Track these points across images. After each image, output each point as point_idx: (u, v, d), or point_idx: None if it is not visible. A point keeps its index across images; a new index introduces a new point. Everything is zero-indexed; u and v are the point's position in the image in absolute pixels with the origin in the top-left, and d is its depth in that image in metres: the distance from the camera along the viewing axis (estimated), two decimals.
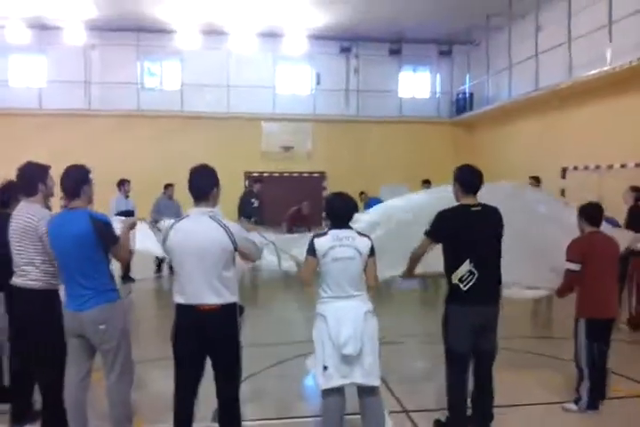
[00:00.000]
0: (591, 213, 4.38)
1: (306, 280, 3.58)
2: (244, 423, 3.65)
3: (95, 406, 3.74)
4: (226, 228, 3.23)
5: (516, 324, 6.70)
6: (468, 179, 3.78)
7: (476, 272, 3.61)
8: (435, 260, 3.83)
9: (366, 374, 3.40)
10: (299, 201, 11.55)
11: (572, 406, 4.25)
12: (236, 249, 3.25)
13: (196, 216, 3.29)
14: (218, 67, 18.34)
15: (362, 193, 12.35)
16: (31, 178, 3.82)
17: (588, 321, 4.23)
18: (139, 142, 17.45)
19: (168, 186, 10.72)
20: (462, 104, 17.38)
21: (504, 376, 4.78)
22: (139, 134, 17.45)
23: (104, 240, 3.43)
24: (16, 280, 3.74)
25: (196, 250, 3.18)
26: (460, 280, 3.64)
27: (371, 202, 11.44)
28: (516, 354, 5.56)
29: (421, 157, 17.67)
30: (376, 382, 3.46)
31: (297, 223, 10.99)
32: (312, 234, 3.61)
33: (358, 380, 3.41)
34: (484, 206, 3.76)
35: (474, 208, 3.71)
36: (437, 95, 18.78)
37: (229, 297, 3.25)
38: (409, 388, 4.67)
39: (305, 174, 18.92)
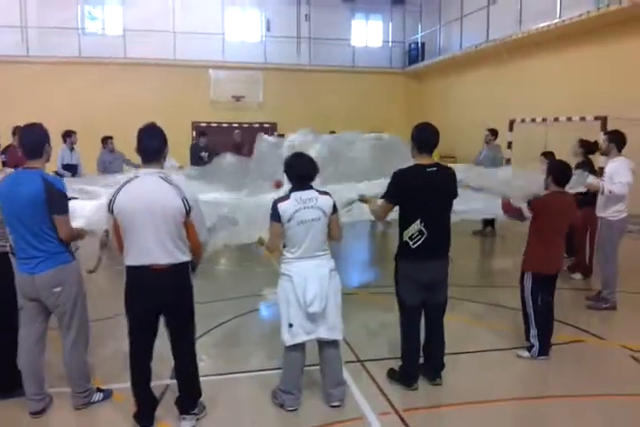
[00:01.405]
0: (560, 173, 4.46)
1: (273, 248, 3.60)
2: (207, 378, 3.76)
3: (53, 368, 3.73)
4: (178, 188, 3.17)
5: (464, 273, 6.95)
6: (425, 138, 3.80)
7: (425, 232, 3.71)
8: None
9: (330, 329, 3.53)
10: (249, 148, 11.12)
11: (525, 354, 4.49)
12: (187, 213, 3.20)
13: (147, 177, 3.21)
14: (162, 11, 17.49)
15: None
16: None
17: (534, 274, 4.44)
18: (80, 91, 16.66)
19: (106, 139, 10.19)
20: (414, 54, 17.28)
21: (456, 325, 5.08)
22: (80, 82, 16.63)
23: (50, 205, 3.32)
24: None
25: (147, 210, 3.12)
26: (410, 238, 3.74)
27: None
28: (465, 303, 5.81)
29: (373, 108, 17.63)
30: (339, 336, 3.61)
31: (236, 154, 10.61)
32: (274, 199, 3.56)
33: (322, 335, 3.53)
34: (439, 166, 3.82)
35: (429, 169, 3.75)
36: (390, 45, 18.57)
37: (181, 256, 3.24)
38: (363, 338, 4.84)
39: (255, 125, 18.62)
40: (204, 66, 17.45)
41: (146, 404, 3.35)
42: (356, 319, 5.24)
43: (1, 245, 3.64)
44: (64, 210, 3.39)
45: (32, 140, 3.44)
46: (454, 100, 15.49)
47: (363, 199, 4.29)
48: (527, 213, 4.43)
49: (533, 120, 10.98)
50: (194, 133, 17.85)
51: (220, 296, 5.95)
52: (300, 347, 3.57)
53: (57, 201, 3.35)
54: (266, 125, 18.82)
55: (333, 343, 3.63)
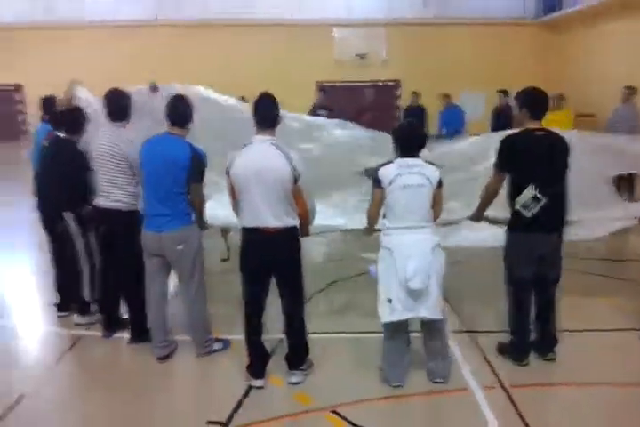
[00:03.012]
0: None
1: (372, 216, 3.58)
2: (317, 336, 3.93)
3: (176, 319, 4.07)
4: (288, 156, 3.29)
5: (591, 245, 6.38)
6: (536, 103, 3.64)
7: (541, 199, 3.51)
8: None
9: (431, 307, 3.42)
10: (376, 110, 10.82)
11: None
12: (296, 180, 3.30)
13: (260, 144, 3.35)
14: None
15: (446, 96, 11.44)
16: (124, 104, 4.05)
17: None
18: (208, 53, 17.29)
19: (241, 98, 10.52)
20: (550, 2, 15.82)
21: (576, 300, 4.81)
22: (206, 44, 17.24)
23: (194, 173, 3.61)
24: (99, 201, 4.01)
25: (258, 176, 3.27)
26: (523, 206, 3.55)
27: (450, 110, 10.91)
28: (590, 277, 5.46)
29: (504, 63, 16.56)
30: (440, 316, 3.50)
31: (362, 115, 10.33)
32: (374, 172, 3.51)
33: (422, 313, 3.42)
34: (551, 132, 3.61)
35: (539, 132, 3.57)
36: None
37: (290, 221, 3.38)
38: (475, 308, 4.74)
39: (379, 83, 18.32)
40: (327, 24, 17.34)
41: (257, 357, 3.58)
42: (471, 287, 5.14)
43: (133, 204, 4.00)
44: (201, 178, 3.68)
45: (180, 108, 3.71)
46: (597, 55, 14.07)
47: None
48: None
49: None
50: (319, 93, 17.95)
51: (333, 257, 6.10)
52: (400, 325, 3.50)
53: (200, 169, 3.65)
54: (390, 83, 18.48)
55: (436, 323, 3.54)
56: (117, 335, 4.27)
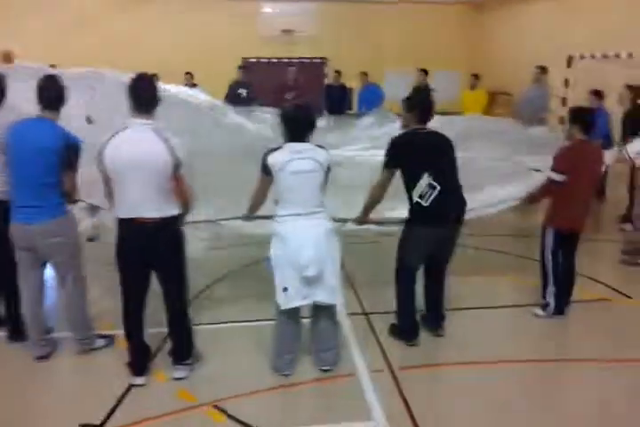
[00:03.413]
0: (585, 120, 4.08)
1: (254, 203, 3.49)
2: (204, 327, 3.82)
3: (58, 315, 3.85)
4: (168, 142, 3.09)
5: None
6: (424, 108, 3.71)
7: (436, 186, 3.56)
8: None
9: (327, 292, 3.37)
10: (300, 88, 10.50)
11: (540, 312, 4.29)
12: (177, 167, 3.11)
13: (136, 128, 3.13)
14: None
15: (364, 74, 11.31)
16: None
17: (556, 231, 4.15)
18: (123, 28, 16.48)
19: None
20: None
21: (469, 277, 4.91)
22: (123, 18, 16.44)
23: (67, 160, 3.36)
24: None
25: (135, 163, 3.06)
26: (421, 196, 3.58)
27: (369, 88, 10.87)
28: (486, 253, 5.56)
29: (430, 42, 16.65)
30: (336, 301, 3.45)
31: (285, 94, 9.93)
32: (263, 158, 3.36)
33: (319, 298, 3.37)
34: (435, 132, 3.74)
35: (424, 131, 3.70)
36: None
37: (170, 210, 3.19)
38: (376, 290, 4.73)
39: (306, 60, 18.05)
40: None
41: (138, 354, 3.42)
42: (370, 268, 5.14)
43: (6, 193, 3.68)
44: (75, 167, 3.41)
45: (51, 91, 3.43)
46: (514, 34, 14.30)
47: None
48: (559, 177, 4.02)
49: (593, 56, 9.98)
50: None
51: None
52: (294, 312, 3.43)
53: (74, 155, 3.38)
54: (317, 61, 18.26)
55: (329, 309, 3.49)
56: None
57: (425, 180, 3.55)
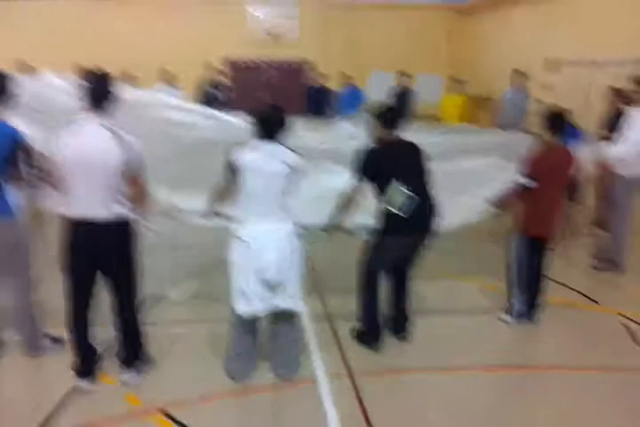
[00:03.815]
0: (556, 123, 3.98)
1: (214, 200, 3.35)
2: (155, 327, 3.69)
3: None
4: (120, 138, 2.95)
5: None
6: (386, 115, 3.60)
7: (415, 197, 3.49)
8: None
9: (288, 298, 3.24)
10: (282, 90, 10.38)
11: (505, 317, 4.20)
12: (129, 165, 2.97)
13: (87, 124, 2.99)
14: None
15: (346, 76, 11.17)
16: None
17: (524, 237, 4.05)
18: (113, 28, 16.32)
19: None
20: None
21: (441, 282, 4.83)
22: (114, 19, 16.27)
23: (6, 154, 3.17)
24: None
25: (84, 161, 2.93)
26: (400, 208, 3.48)
27: (348, 89, 10.78)
28: (454, 257, 5.47)
29: (414, 46, 16.67)
30: (299, 307, 3.32)
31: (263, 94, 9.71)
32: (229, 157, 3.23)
33: (279, 304, 3.23)
34: (402, 140, 3.66)
35: (393, 141, 3.61)
36: None
37: (121, 211, 3.05)
38: (342, 294, 4.59)
39: (289, 63, 17.97)
40: (240, 2, 16.77)
41: (84, 355, 3.26)
42: (339, 270, 5.02)
43: None
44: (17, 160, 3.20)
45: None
46: (498, 39, 14.36)
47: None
48: (528, 182, 3.90)
49: (576, 62, 9.97)
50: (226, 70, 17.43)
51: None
52: (251, 321, 3.29)
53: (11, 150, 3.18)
54: (300, 64, 18.18)
55: (290, 318, 3.35)
56: None
57: (402, 191, 3.46)
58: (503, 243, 4.26)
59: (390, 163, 3.54)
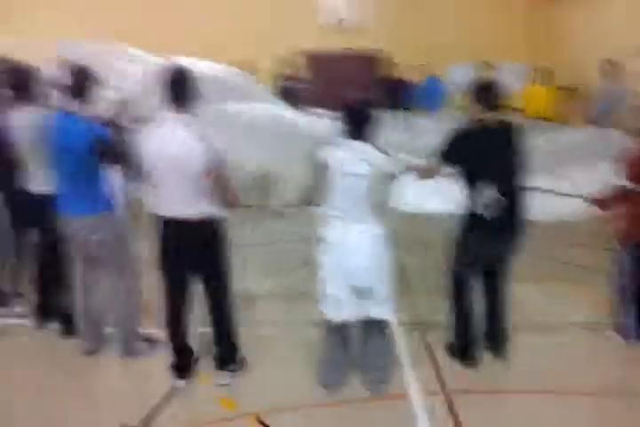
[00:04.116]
0: None
1: (306, 196, 3.26)
2: (250, 329, 3.67)
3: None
4: (202, 137, 2.93)
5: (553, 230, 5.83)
6: (485, 92, 3.36)
7: (501, 198, 3.27)
8: None
9: (379, 306, 3.14)
10: (357, 83, 10.12)
11: (615, 335, 3.90)
12: (211, 164, 2.94)
13: (169, 124, 2.99)
14: None
15: (426, 67, 10.91)
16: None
17: (631, 246, 3.76)
18: (183, 17, 16.51)
19: None
20: None
21: (541, 293, 4.59)
22: (184, 7, 16.45)
23: (101, 154, 3.23)
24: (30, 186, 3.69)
25: (169, 160, 2.93)
26: (485, 208, 3.29)
27: (428, 82, 10.48)
28: (556, 264, 5.17)
29: (495, 34, 16.00)
30: (389, 316, 3.22)
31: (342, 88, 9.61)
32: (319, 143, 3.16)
33: (369, 313, 3.14)
34: (503, 122, 3.37)
35: (492, 126, 3.32)
36: None
37: (207, 209, 3.05)
38: (433, 300, 4.40)
39: (363, 53, 17.67)
40: None
41: (181, 356, 3.32)
42: (432, 273, 4.86)
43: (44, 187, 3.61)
44: (116, 158, 3.27)
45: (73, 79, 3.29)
46: (590, 23, 13.56)
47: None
48: (632, 186, 3.60)
49: None
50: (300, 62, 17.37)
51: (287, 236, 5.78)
52: (344, 324, 3.20)
53: (104, 149, 3.24)
54: (375, 53, 17.87)
55: (380, 324, 3.23)
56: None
57: (490, 192, 3.27)
58: (609, 250, 3.99)
59: (480, 150, 3.29)
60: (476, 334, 3.60)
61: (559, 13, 15.41)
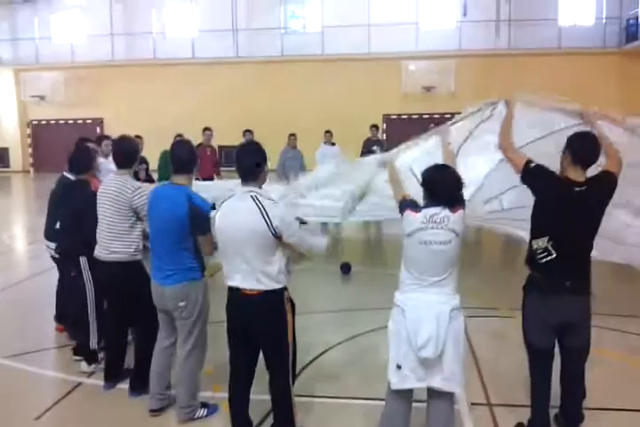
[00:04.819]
0: None
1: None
2: (309, 399, 3.64)
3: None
4: (263, 210, 2.99)
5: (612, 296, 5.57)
6: (583, 147, 3.14)
7: (553, 252, 3.09)
8: None
9: (446, 379, 3.01)
10: None
11: None
12: (276, 236, 3.02)
13: (240, 196, 3.11)
14: (359, 5, 17.65)
15: None
16: (132, 152, 3.99)
17: None
18: (282, 88, 17.61)
19: (290, 136, 10.23)
20: (634, 31, 14.96)
21: (621, 369, 4.23)
22: (281, 80, 17.58)
23: (194, 227, 3.42)
24: (99, 253, 3.92)
25: (234, 233, 3.03)
26: (536, 251, 3.15)
27: None
28: (613, 334, 4.76)
29: (582, 93, 15.68)
30: (456, 389, 3.08)
31: None
32: (409, 200, 3.13)
33: (436, 384, 3.02)
34: (591, 183, 3.13)
35: (577, 188, 3.10)
36: (604, 21, 16.32)
37: (271, 283, 3.08)
38: (500, 378, 4.18)
39: (447, 115, 17.86)
40: (397, 57, 17.28)
41: (239, 425, 3.30)
42: (500, 347, 4.62)
43: (133, 254, 3.89)
44: (205, 230, 3.40)
45: (180, 154, 3.56)
46: None
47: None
48: None
49: None
50: (384, 126, 17.85)
51: (355, 305, 5.72)
52: (406, 394, 3.10)
53: (199, 222, 3.40)
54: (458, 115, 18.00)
55: (446, 397, 3.09)
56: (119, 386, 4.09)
57: (543, 242, 3.12)
58: None
59: (557, 209, 3.12)
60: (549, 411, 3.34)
61: None
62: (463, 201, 3.08)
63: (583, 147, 3.16)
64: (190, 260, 3.49)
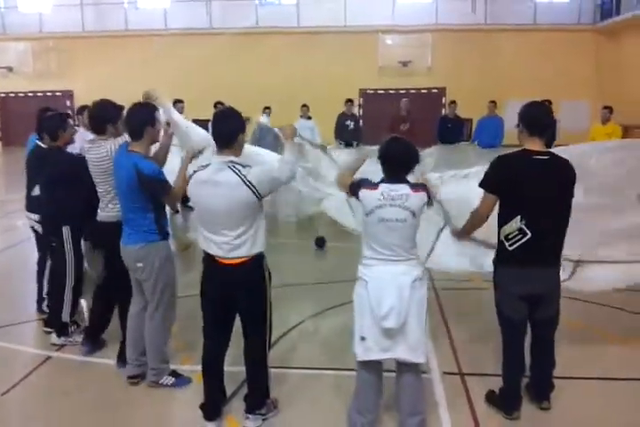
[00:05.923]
0: None
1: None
2: (288, 371, 3.73)
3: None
4: (244, 178, 2.95)
5: None
6: (535, 116, 3.18)
7: (527, 232, 3.10)
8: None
9: (411, 349, 3.04)
10: (414, 120, 10.19)
11: None
12: (260, 198, 3.01)
13: (217, 166, 3.05)
14: None
15: (493, 103, 10.76)
16: (102, 118, 3.84)
17: None
18: (255, 62, 17.30)
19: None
20: (608, 8, 15.01)
21: (591, 342, 4.31)
22: (255, 53, 17.26)
23: (149, 193, 3.41)
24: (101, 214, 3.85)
25: (214, 206, 2.99)
26: (507, 238, 3.17)
27: (491, 120, 10.34)
28: (610, 311, 4.88)
29: (556, 71, 15.75)
30: (421, 359, 3.10)
31: (399, 125, 9.81)
32: (360, 180, 3.12)
33: (401, 355, 3.05)
34: (553, 156, 3.16)
35: (538, 156, 3.12)
36: None
37: (252, 250, 3.07)
38: (478, 347, 4.26)
39: (423, 91, 17.82)
40: (373, 30, 17.09)
41: (211, 397, 3.29)
42: (472, 319, 4.70)
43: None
44: (163, 192, 3.42)
45: (131, 121, 3.49)
46: None
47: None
48: None
49: None
50: (360, 101, 17.76)
51: (329, 278, 5.72)
52: (374, 365, 3.13)
53: (152, 187, 3.39)
54: (434, 91, 18.00)
55: (413, 367, 3.12)
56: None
57: (516, 222, 3.12)
58: None
59: (522, 181, 3.11)
60: (521, 381, 3.43)
61: (625, 53, 15.06)
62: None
63: (532, 113, 3.20)
64: (148, 222, 3.47)
